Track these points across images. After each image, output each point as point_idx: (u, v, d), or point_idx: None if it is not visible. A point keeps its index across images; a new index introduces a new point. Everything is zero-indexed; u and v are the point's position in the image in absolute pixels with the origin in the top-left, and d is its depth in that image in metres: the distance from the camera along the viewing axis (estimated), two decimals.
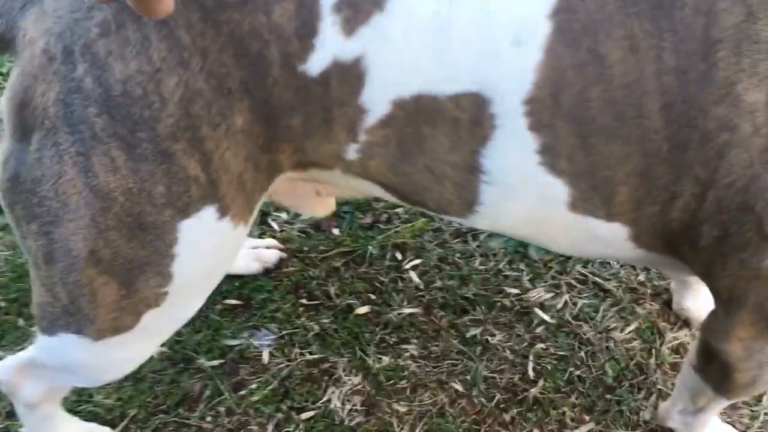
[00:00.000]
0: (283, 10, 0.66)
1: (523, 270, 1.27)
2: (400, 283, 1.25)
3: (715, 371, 0.85)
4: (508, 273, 1.27)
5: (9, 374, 0.87)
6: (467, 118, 0.68)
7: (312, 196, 0.88)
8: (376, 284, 1.25)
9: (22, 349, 1.16)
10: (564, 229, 0.76)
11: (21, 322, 1.19)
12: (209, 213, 0.70)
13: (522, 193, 0.72)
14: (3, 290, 1.23)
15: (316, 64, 0.67)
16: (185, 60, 0.65)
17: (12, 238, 1.30)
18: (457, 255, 1.29)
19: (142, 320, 0.74)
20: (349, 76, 0.68)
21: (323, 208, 0.94)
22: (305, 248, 1.30)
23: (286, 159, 0.73)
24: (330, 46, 0.67)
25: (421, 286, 1.24)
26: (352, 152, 0.73)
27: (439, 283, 1.25)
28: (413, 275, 1.26)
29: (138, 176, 0.66)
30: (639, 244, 0.76)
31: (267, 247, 1.28)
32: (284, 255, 1.29)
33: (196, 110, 0.66)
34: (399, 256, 1.29)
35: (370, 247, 1.30)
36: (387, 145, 0.72)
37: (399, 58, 0.67)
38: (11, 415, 1.06)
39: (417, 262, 1.28)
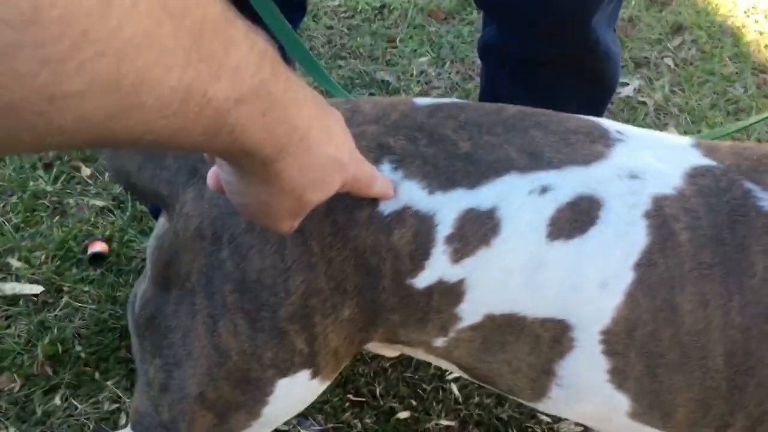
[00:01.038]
0: (401, 234, 0.77)
1: None
2: (440, 393, 1.35)
3: None
4: None
5: None
6: (549, 336, 0.79)
7: (384, 348, 0.99)
8: (419, 391, 1.34)
9: (95, 401, 1.29)
10: (620, 429, 0.86)
11: (97, 375, 1.32)
12: (304, 374, 0.82)
13: (588, 399, 0.82)
14: (85, 342, 1.37)
15: (423, 280, 0.78)
16: (312, 264, 0.77)
17: (97, 292, 1.44)
18: None
19: None
20: (450, 293, 0.78)
21: (392, 353, 1.05)
22: None
23: (378, 337, 0.85)
24: (438, 268, 0.77)
25: (460, 400, 1.34)
26: (439, 342, 0.83)
27: (477, 399, 1.34)
28: (454, 387, 1.35)
29: (254, 343, 0.78)
30: None
31: None
32: None
33: (314, 303, 0.78)
34: None
35: None
36: (472, 342, 0.82)
37: (497, 286, 0.77)
38: None
39: (459, 374, 1.37)
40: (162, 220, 0.83)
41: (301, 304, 0.77)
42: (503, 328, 0.80)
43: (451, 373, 1.37)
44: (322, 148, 0.59)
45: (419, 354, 0.89)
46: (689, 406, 0.78)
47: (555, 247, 0.76)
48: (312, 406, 1.30)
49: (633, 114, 1.91)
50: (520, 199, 0.77)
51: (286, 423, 1.27)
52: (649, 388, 0.78)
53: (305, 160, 0.58)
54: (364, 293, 0.79)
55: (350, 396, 1.33)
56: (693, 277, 0.75)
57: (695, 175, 0.78)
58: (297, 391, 0.83)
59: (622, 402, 0.80)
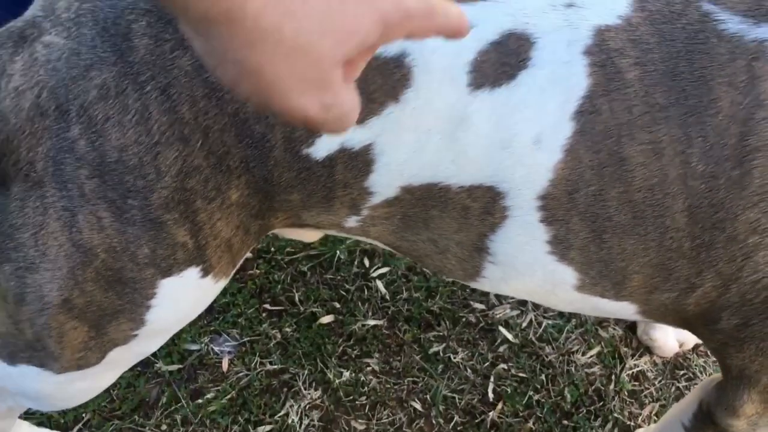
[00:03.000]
0: None
1: None
2: (366, 292, 1.24)
3: None
4: None
5: None
6: (479, 206, 0.67)
7: (299, 231, 0.86)
8: (342, 292, 1.23)
9: None
10: (568, 302, 0.76)
11: None
12: (192, 272, 0.69)
13: (528, 275, 0.72)
14: None
15: (321, 148, 0.65)
16: (186, 136, 0.63)
17: None
18: None
19: (108, 357, 0.73)
20: (356, 162, 0.66)
21: (311, 237, 0.92)
22: (272, 249, 1.28)
23: (279, 222, 0.72)
24: None
25: (387, 297, 1.23)
26: (352, 222, 0.71)
27: (405, 294, 1.24)
28: (380, 284, 1.25)
29: (123, 237, 0.64)
30: (647, 317, 0.76)
31: None
32: (250, 255, 1.26)
33: (192, 184, 0.64)
34: (367, 262, 1.28)
35: (338, 252, 1.28)
36: (391, 218, 0.70)
37: (411, 150, 0.65)
38: None
39: (384, 270, 1.27)
40: None
41: (176, 186, 0.64)
42: (425, 202, 0.68)
43: (377, 269, 1.26)
44: None
45: (333, 232, 0.77)
46: (646, 272, 0.68)
47: (479, 99, 0.63)
48: (225, 320, 1.18)
49: None
50: (434, 42, 0.63)
51: (198, 342, 1.15)
52: (597, 257, 0.68)
53: None
54: (253, 170, 0.65)
55: (267, 306, 1.21)
56: (644, 122, 0.63)
57: None
58: (187, 292, 0.70)
59: (566, 274, 0.70)
